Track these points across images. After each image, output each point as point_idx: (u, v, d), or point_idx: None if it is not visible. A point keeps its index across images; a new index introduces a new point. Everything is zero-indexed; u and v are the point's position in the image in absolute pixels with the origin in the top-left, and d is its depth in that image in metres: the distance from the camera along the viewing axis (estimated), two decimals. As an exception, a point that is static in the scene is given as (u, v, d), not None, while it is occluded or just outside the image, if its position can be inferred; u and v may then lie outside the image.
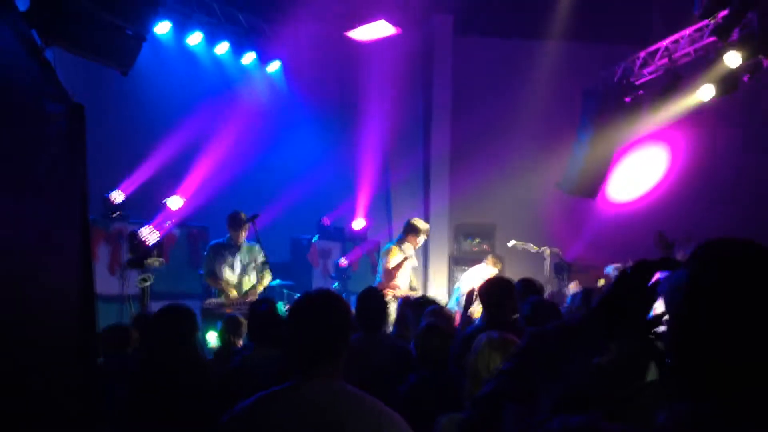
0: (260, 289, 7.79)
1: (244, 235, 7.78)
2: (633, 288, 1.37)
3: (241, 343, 5.41)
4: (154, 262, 7.22)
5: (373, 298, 4.67)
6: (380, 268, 8.38)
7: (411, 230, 8.29)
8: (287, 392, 2.26)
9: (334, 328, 2.33)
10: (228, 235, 7.82)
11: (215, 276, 7.70)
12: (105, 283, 7.86)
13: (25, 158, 2.47)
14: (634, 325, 1.37)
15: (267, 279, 7.94)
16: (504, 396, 1.32)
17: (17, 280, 2.26)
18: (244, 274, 7.80)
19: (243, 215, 7.71)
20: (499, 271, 9.47)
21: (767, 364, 1.11)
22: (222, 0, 9.77)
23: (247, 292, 7.69)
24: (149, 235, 8.02)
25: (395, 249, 8.24)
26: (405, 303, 6.04)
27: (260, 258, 7.88)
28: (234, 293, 7.61)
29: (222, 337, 5.74)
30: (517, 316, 4.76)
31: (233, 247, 7.78)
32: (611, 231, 12.12)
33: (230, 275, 7.73)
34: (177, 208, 9.22)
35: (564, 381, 1.35)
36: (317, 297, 2.41)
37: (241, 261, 7.78)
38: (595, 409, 1.67)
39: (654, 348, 1.37)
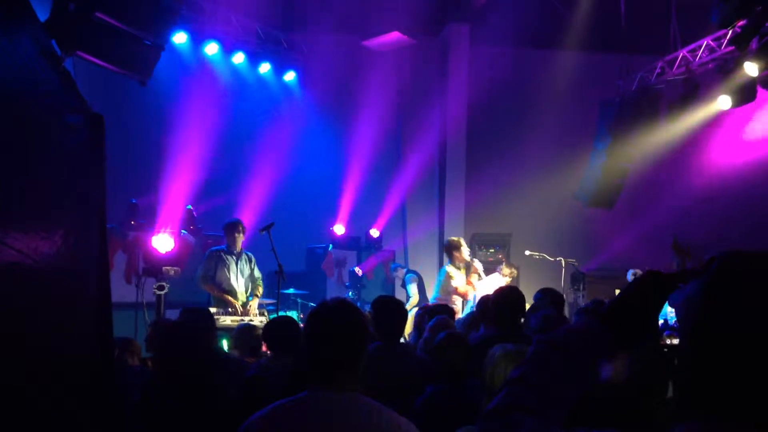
0: (256, 302, 7.85)
1: (240, 242, 7.88)
2: (640, 297, 1.33)
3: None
4: (170, 271, 7.24)
5: (393, 307, 4.50)
6: (437, 290, 8.56)
7: (452, 248, 8.58)
8: (302, 402, 2.25)
9: (351, 337, 2.31)
10: (226, 243, 7.89)
11: (213, 281, 7.70)
12: (120, 291, 7.90)
13: (46, 170, 2.48)
14: (640, 333, 1.34)
15: (260, 290, 8.04)
16: (514, 407, 1.27)
17: (34, 292, 2.27)
18: (245, 282, 7.89)
19: (240, 224, 7.88)
20: (513, 280, 9.45)
21: None
22: (238, 11, 9.84)
23: (246, 305, 7.72)
24: (164, 243, 8.05)
25: (452, 269, 8.50)
26: (423, 312, 5.99)
27: (256, 272, 8.02)
28: (237, 303, 7.64)
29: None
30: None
31: (233, 255, 7.84)
32: (628, 242, 12.04)
33: (234, 282, 7.77)
34: (193, 216, 9.25)
35: (576, 390, 1.31)
36: (333, 306, 2.38)
37: (240, 269, 7.85)
38: (613, 423, 1.65)
39: (669, 363, 1.35)
